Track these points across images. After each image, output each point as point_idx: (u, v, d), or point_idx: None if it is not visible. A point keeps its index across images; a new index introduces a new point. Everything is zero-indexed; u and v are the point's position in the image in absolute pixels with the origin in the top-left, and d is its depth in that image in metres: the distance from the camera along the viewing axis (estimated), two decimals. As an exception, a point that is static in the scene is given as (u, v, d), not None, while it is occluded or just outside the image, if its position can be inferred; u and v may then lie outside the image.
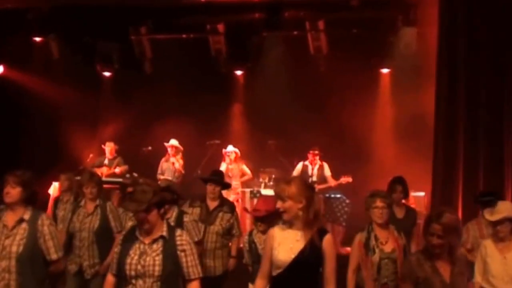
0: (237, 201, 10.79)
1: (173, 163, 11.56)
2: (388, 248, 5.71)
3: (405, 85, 11.69)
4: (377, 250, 5.70)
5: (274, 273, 4.42)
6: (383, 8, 11.80)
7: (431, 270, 4.41)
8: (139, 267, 4.28)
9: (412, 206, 10.13)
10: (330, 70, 12.34)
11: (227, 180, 11.34)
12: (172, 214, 6.31)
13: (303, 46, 12.59)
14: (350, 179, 10.93)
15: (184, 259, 4.38)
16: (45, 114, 12.89)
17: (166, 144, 11.79)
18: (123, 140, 12.50)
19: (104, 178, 11.30)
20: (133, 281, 4.29)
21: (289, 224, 4.44)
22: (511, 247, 5.69)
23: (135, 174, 11.95)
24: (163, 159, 11.82)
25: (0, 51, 12.53)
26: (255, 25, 12.50)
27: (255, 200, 10.76)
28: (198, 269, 4.46)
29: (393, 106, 12.35)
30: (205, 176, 7.75)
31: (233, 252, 7.25)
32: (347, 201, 10.82)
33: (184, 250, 4.38)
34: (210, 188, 7.14)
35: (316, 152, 11.26)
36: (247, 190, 11.21)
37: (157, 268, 4.27)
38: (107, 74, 13.65)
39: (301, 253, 4.34)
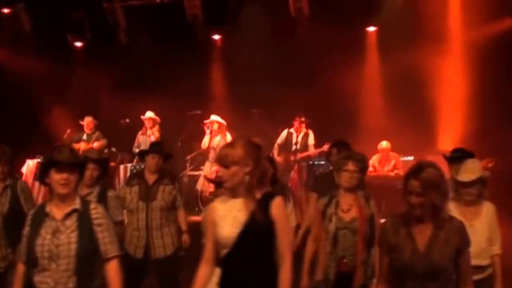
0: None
1: (149, 136, 11.13)
2: (348, 216, 4.98)
3: (393, 43, 11.19)
4: (334, 219, 5.00)
5: (222, 253, 3.74)
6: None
7: (405, 236, 3.76)
8: (52, 247, 3.83)
9: (400, 171, 10.07)
10: (312, 32, 11.79)
11: (211, 153, 10.95)
12: (94, 190, 5.94)
13: (283, 8, 12.00)
14: None
15: (100, 235, 3.95)
16: (18, 89, 12.39)
17: (142, 117, 11.37)
18: (99, 113, 12.04)
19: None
20: (46, 265, 3.83)
21: (232, 193, 3.77)
22: (479, 213, 4.99)
23: (113, 149, 11.63)
24: (139, 132, 11.43)
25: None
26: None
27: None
28: (116, 246, 4.03)
29: (381, 66, 11.96)
30: (145, 149, 7.02)
31: (184, 226, 6.60)
32: (331, 167, 10.41)
33: (100, 224, 3.96)
34: (151, 160, 6.51)
35: (303, 119, 10.98)
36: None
37: (73, 246, 3.84)
38: (78, 44, 13.06)
39: (246, 225, 3.64)
